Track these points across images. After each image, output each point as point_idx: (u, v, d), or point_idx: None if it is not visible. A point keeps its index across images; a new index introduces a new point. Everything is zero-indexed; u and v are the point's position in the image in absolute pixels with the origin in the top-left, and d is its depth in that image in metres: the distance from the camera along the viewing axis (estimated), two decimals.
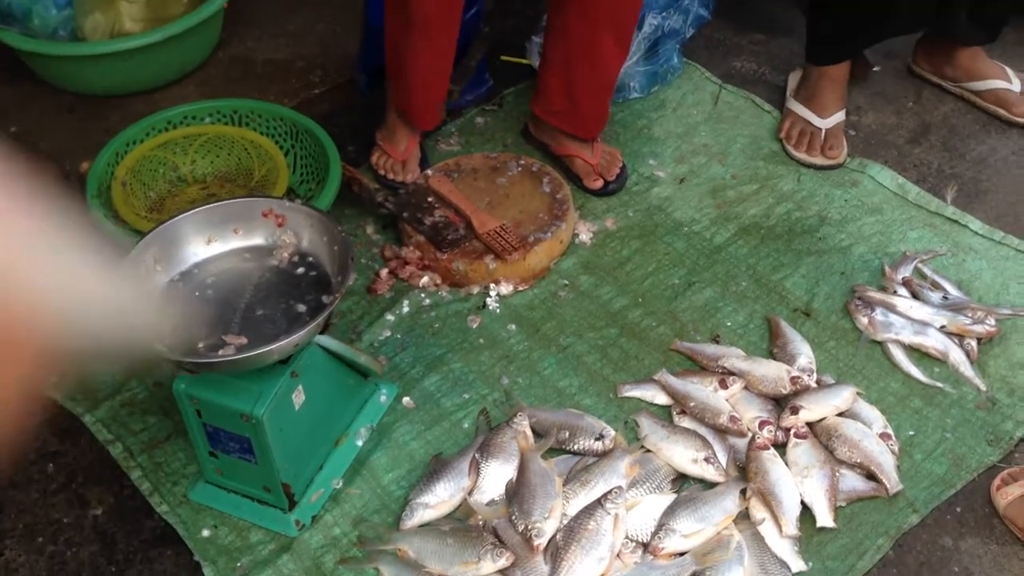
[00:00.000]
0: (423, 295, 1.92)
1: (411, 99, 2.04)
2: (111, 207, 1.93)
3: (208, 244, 1.53)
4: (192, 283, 1.49)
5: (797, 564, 1.48)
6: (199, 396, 1.44)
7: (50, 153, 2.22)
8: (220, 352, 1.38)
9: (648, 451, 1.63)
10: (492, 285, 1.92)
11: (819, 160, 2.16)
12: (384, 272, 1.95)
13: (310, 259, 1.53)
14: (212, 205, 1.53)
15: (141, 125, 2.08)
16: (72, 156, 2.20)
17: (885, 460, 1.59)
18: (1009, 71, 2.25)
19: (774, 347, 1.79)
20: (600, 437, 1.63)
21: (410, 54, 1.95)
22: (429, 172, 2.08)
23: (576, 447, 1.63)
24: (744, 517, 1.53)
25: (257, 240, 1.55)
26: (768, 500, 1.52)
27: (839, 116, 2.19)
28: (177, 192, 2.07)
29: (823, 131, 2.17)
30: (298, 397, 1.48)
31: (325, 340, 1.50)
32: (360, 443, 1.65)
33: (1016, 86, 2.23)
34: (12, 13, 2.28)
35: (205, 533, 1.54)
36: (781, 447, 1.62)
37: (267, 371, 1.44)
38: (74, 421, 1.70)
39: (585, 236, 2.03)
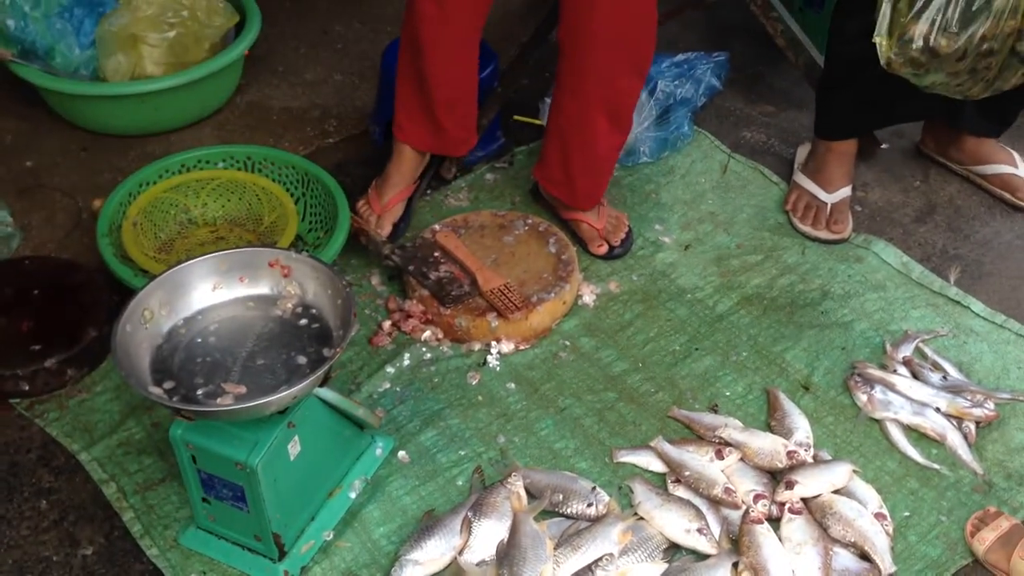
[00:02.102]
0: (424, 349, 1.93)
1: (440, 121, 2.04)
2: (120, 246, 1.95)
3: (214, 291, 1.54)
4: (195, 329, 1.50)
5: None
6: (195, 442, 1.44)
7: (63, 189, 2.25)
8: (218, 400, 1.39)
9: (641, 518, 1.62)
10: (493, 343, 1.93)
11: (824, 234, 2.17)
12: (387, 324, 1.96)
13: (313, 311, 1.54)
14: (220, 253, 1.54)
15: (155, 167, 2.10)
16: (85, 193, 2.23)
17: (879, 541, 1.58)
18: (1016, 156, 2.28)
19: (772, 420, 1.79)
20: (593, 502, 1.62)
21: (432, 69, 1.95)
22: (437, 227, 2.10)
23: (569, 511, 1.63)
24: None
25: (262, 289, 1.56)
26: (760, 575, 1.51)
27: (845, 191, 2.21)
28: (187, 234, 2.09)
29: (829, 205, 2.19)
30: (294, 447, 1.49)
31: (323, 392, 1.50)
32: (353, 495, 1.65)
33: (1023, 171, 2.25)
34: (35, 50, 2.32)
35: None
36: (775, 521, 1.61)
37: (264, 420, 1.44)
38: (70, 459, 1.70)
39: (588, 298, 2.04)
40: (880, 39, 1.68)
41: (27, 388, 1.78)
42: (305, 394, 1.44)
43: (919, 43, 1.64)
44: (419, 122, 2.06)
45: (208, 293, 1.54)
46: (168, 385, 1.41)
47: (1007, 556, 1.55)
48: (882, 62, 1.70)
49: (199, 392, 1.41)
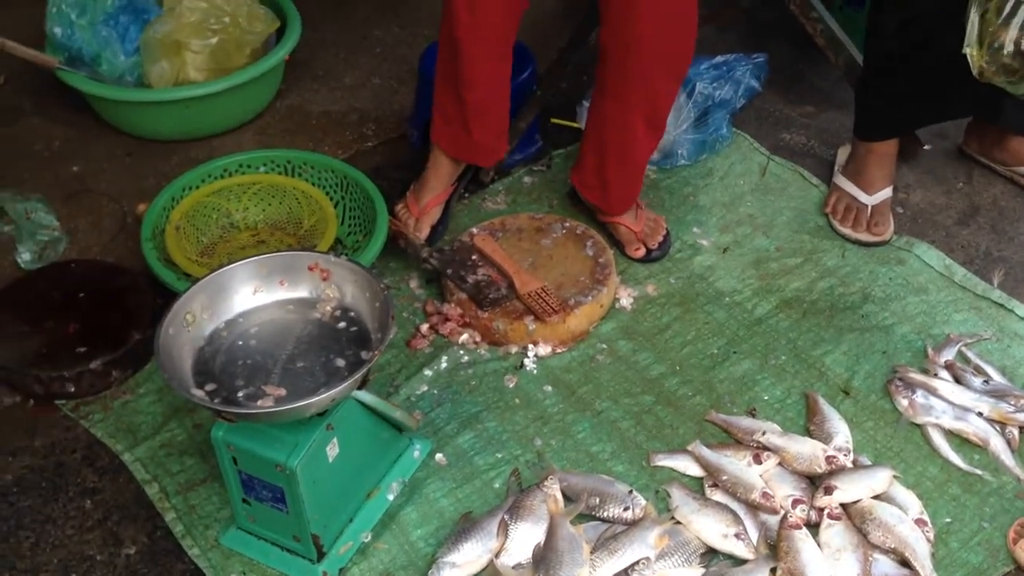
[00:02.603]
0: (462, 352, 1.94)
1: (470, 127, 2.05)
2: (163, 250, 1.98)
3: (254, 294, 1.56)
4: (236, 332, 1.52)
5: None
6: (236, 444, 1.46)
7: (109, 194, 2.29)
8: (259, 403, 1.41)
9: (678, 523, 1.62)
10: (531, 346, 1.94)
11: (865, 236, 2.15)
12: (425, 327, 1.98)
13: (352, 314, 1.55)
14: (260, 257, 1.56)
15: (198, 171, 2.14)
16: (129, 198, 2.26)
17: (920, 547, 1.56)
18: None
19: (811, 424, 1.78)
20: (629, 506, 1.62)
21: (467, 73, 1.96)
22: (475, 230, 2.11)
23: (606, 514, 1.63)
24: None
25: (302, 293, 1.58)
26: None
27: (886, 193, 2.19)
28: (228, 238, 2.12)
29: (869, 207, 2.17)
30: (332, 449, 1.50)
31: (362, 395, 1.52)
32: (391, 497, 1.66)
33: None
34: (82, 57, 2.36)
35: None
36: (814, 527, 1.60)
37: (303, 422, 1.46)
38: (114, 459, 1.73)
39: (626, 301, 2.04)
40: (970, 49, 1.64)
41: (73, 390, 1.81)
42: (344, 396, 1.46)
43: (1010, 48, 1.60)
44: (452, 126, 2.07)
45: (249, 296, 1.56)
46: (210, 387, 1.43)
47: None
48: (974, 72, 1.66)
49: (240, 394, 1.43)
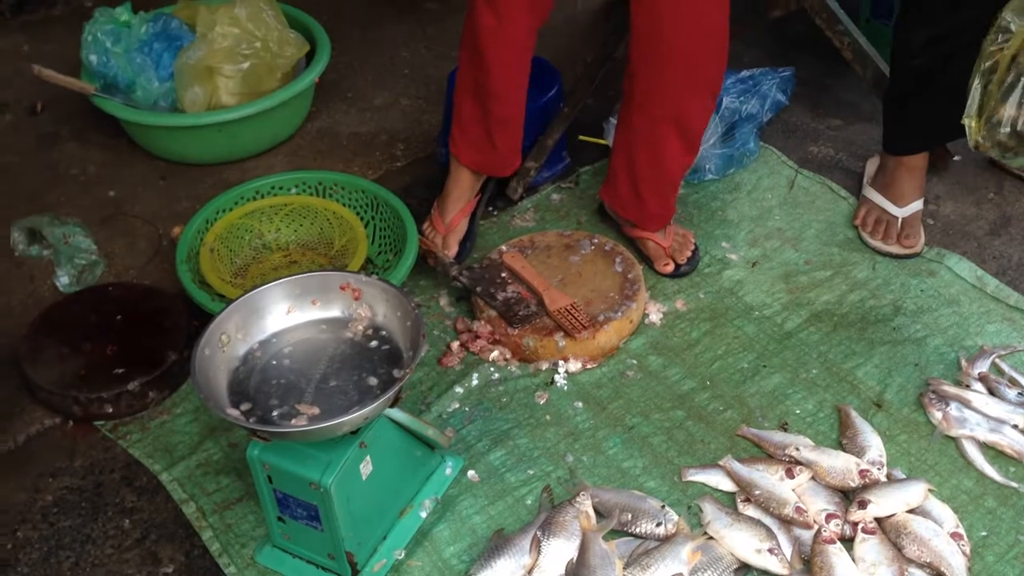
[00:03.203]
0: (492, 369, 1.95)
1: (493, 138, 2.07)
2: (198, 272, 2.01)
3: (288, 314, 1.59)
4: (270, 352, 1.55)
5: None
6: (271, 462, 1.48)
7: (144, 217, 2.33)
8: (293, 421, 1.43)
9: (711, 538, 1.62)
10: (561, 362, 1.94)
11: (895, 249, 2.14)
12: (455, 345, 1.99)
13: (383, 333, 1.57)
14: (293, 277, 1.59)
15: (231, 194, 2.17)
16: (164, 221, 2.31)
17: (956, 561, 1.55)
18: None
19: (843, 438, 1.77)
20: (662, 522, 1.62)
21: (487, 83, 1.99)
22: (504, 248, 2.12)
23: (638, 530, 1.63)
24: None
25: (334, 312, 1.60)
26: None
27: (917, 205, 2.18)
28: (261, 259, 2.15)
29: (900, 220, 2.16)
30: (365, 467, 1.52)
31: (394, 412, 1.53)
32: (424, 515, 1.67)
33: None
34: (117, 84, 2.41)
35: None
36: (848, 542, 1.60)
37: (337, 441, 1.48)
38: (152, 479, 1.76)
39: (655, 316, 2.05)
40: (969, 120, 1.63)
41: (111, 410, 1.85)
42: (376, 415, 1.48)
43: (1007, 128, 1.59)
44: (474, 139, 2.09)
45: (282, 316, 1.59)
46: (245, 407, 1.46)
47: None
48: (970, 144, 1.65)
49: (274, 413, 1.45)
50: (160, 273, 2.17)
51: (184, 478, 1.75)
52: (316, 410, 1.45)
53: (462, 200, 2.16)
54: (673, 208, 2.13)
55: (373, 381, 1.50)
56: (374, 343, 1.56)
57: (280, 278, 1.59)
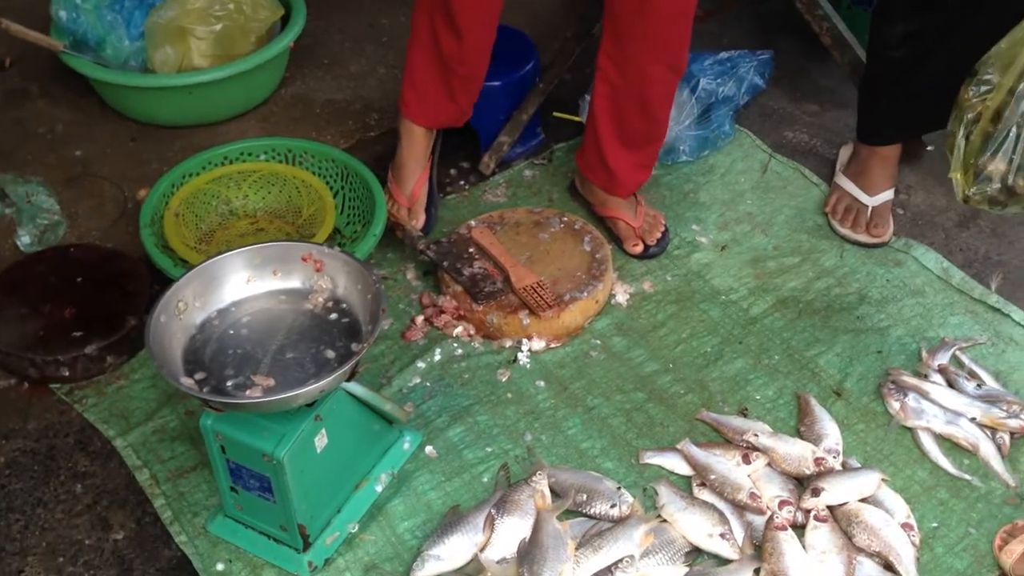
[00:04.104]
0: (456, 345, 1.94)
1: (457, 97, 2.04)
2: (162, 236, 1.99)
3: (248, 283, 1.57)
4: (228, 321, 1.53)
5: None
6: (224, 432, 1.47)
7: (111, 178, 2.30)
8: (247, 392, 1.42)
9: (664, 521, 1.62)
10: (525, 340, 1.94)
11: (864, 237, 2.15)
12: (420, 319, 1.98)
13: (344, 306, 1.56)
14: (254, 247, 1.57)
15: (199, 159, 2.14)
16: (131, 183, 2.27)
17: (905, 551, 1.56)
18: None
19: (801, 425, 1.78)
20: (616, 503, 1.63)
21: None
22: (473, 223, 2.11)
23: (592, 511, 1.63)
24: None
25: (295, 283, 1.58)
26: None
27: (888, 195, 2.18)
28: (227, 225, 2.13)
29: (870, 208, 2.16)
30: (320, 440, 1.51)
31: (352, 386, 1.52)
32: (379, 489, 1.67)
33: None
34: (87, 41, 2.37)
35: (219, 567, 1.57)
36: (800, 528, 1.61)
37: (292, 413, 1.47)
38: (106, 444, 1.75)
39: (622, 297, 2.04)
40: (956, 175, 1.61)
41: (67, 374, 1.83)
42: (332, 388, 1.47)
43: (997, 184, 1.57)
44: (430, 97, 2.06)
45: (242, 286, 1.57)
46: (199, 376, 1.44)
47: None
48: (958, 198, 1.63)
49: (229, 383, 1.44)
50: (125, 236, 2.14)
51: (139, 444, 1.74)
52: (271, 381, 1.44)
53: (419, 168, 2.13)
54: (640, 177, 2.12)
55: (331, 354, 1.49)
56: (334, 316, 1.55)
57: (242, 246, 1.57)
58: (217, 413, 1.46)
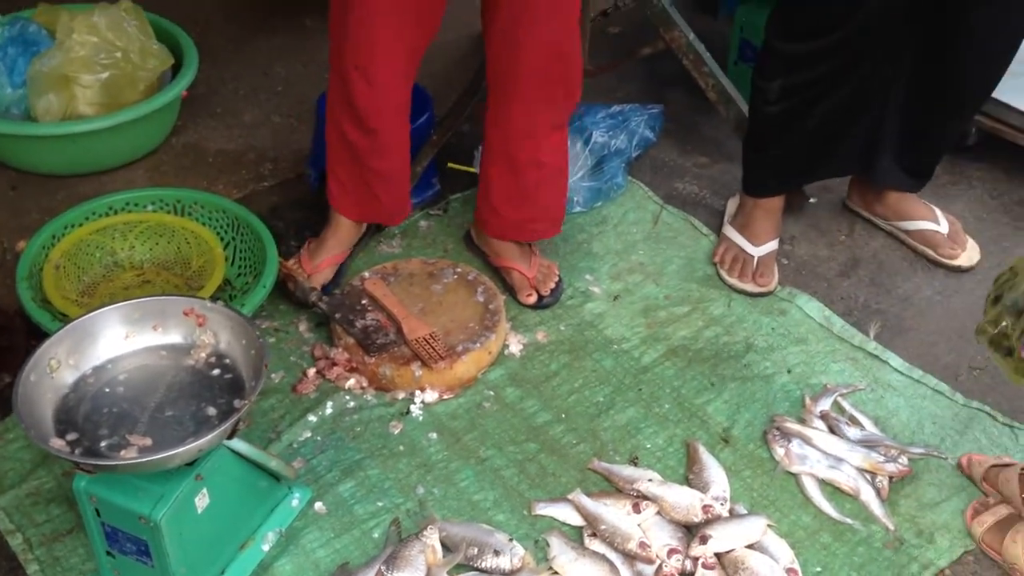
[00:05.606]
0: (348, 397, 1.92)
1: (376, 193, 2.06)
2: (40, 290, 1.93)
3: (125, 339, 1.53)
4: (104, 379, 1.48)
5: None
6: (98, 495, 1.42)
7: None
8: (122, 453, 1.37)
9: (556, 573, 1.62)
10: (418, 392, 1.93)
11: (750, 287, 2.20)
12: (312, 372, 1.96)
13: (227, 361, 1.53)
14: (133, 301, 1.53)
15: (81, 209, 2.09)
16: (11, 233, 2.21)
17: None
18: (938, 212, 2.32)
19: (690, 473, 1.80)
20: (508, 556, 1.61)
21: (373, 159, 1.99)
22: (366, 274, 2.10)
23: (484, 564, 1.62)
24: None
25: (176, 338, 1.55)
26: None
27: (772, 245, 2.24)
28: (112, 277, 2.07)
29: (756, 258, 2.22)
30: (202, 500, 1.47)
31: (235, 443, 1.49)
32: (266, 548, 1.63)
33: (944, 227, 2.30)
34: None
35: None
36: None
37: (171, 473, 1.43)
38: None
39: (515, 347, 2.05)
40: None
41: None
42: (213, 446, 1.43)
43: None
44: (356, 193, 2.07)
45: (120, 342, 1.53)
46: (71, 437, 1.39)
47: (1000, 539, 1.67)
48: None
49: (103, 444, 1.39)
50: (2, 289, 2.07)
51: (12, 508, 1.67)
52: (148, 441, 1.40)
53: (337, 249, 2.13)
54: (533, 222, 2.13)
55: (212, 411, 1.46)
56: (216, 371, 1.52)
57: (123, 300, 1.53)
58: (90, 475, 1.41)
